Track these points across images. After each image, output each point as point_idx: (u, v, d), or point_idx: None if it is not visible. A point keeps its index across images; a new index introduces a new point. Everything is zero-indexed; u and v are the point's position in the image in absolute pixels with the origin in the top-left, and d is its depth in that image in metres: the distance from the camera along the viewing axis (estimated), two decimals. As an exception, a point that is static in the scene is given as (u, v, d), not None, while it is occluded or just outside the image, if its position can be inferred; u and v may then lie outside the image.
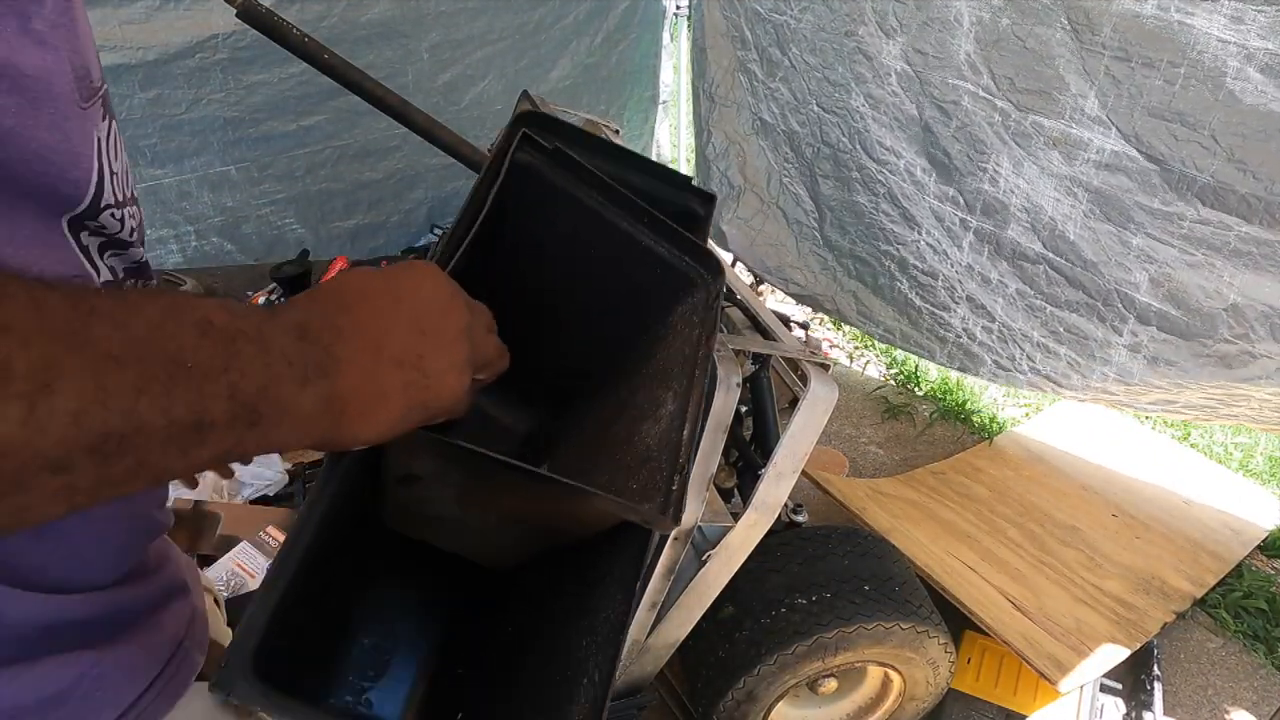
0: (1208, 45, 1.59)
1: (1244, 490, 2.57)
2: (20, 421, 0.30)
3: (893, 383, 3.21)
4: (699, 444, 0.59)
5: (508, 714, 0.59)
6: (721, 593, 1.37)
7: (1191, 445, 2.83)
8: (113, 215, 0.48)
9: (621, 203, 0.68)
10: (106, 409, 0.33)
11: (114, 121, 0.50)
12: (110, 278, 0.50)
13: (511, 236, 0.64)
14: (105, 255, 0.49)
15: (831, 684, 1.68)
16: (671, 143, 3.68)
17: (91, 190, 0.45)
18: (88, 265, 0.47)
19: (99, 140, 0.46)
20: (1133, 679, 1.94)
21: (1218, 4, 1.55)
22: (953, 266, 2.31)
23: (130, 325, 0.34)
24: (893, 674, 1.70)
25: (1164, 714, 1.87)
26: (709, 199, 0.77)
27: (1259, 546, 2.38)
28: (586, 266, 0.72)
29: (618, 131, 2.48)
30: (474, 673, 0.66)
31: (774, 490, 1.25)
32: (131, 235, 0.51)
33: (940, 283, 2.36)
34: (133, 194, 0.53)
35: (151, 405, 0.34)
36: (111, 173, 0.48)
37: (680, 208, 0.76)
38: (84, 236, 0.46)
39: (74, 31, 0.43)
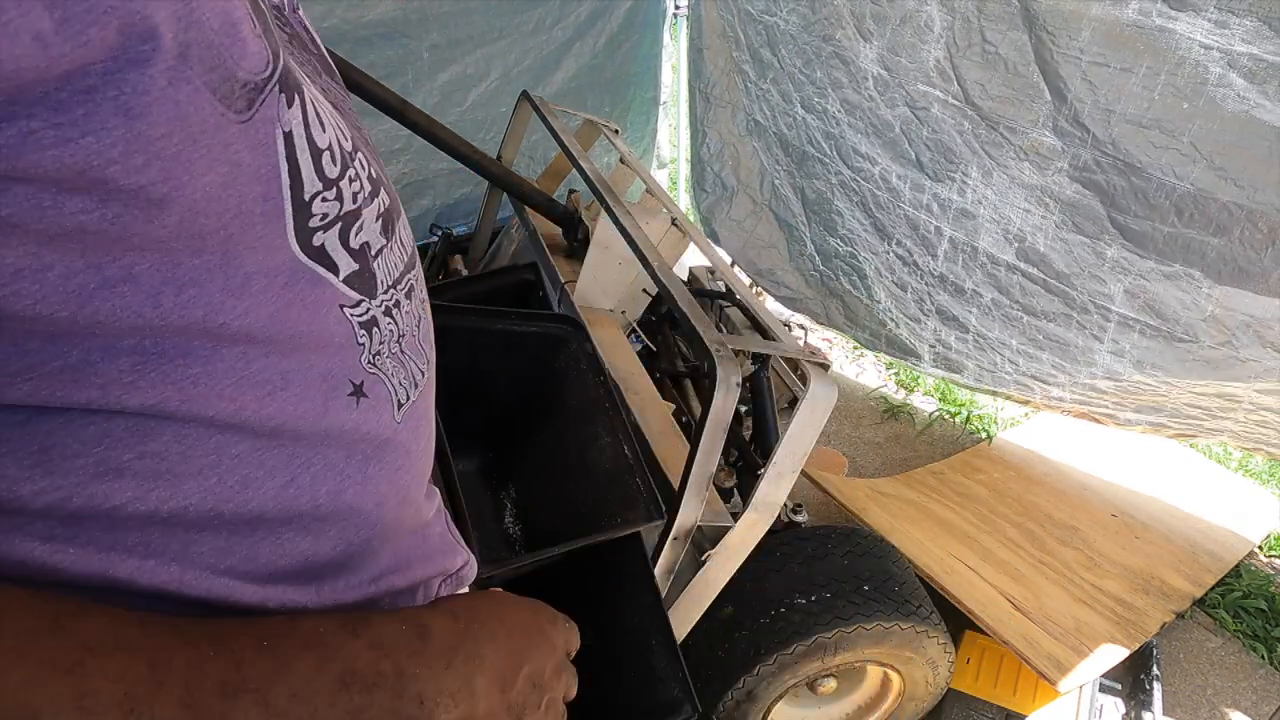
0: (1190, 51, 1.56)
1: (1243, 490, 2.57)
2: None
3: (892, 383, 3.21)
4: (648, 455, 0.97)
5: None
6: (721, 592, 1.37)
7: (1191, 445, 2.83)
8: (323, 200, 0.43)
9: (486, 314, 1.07)
10: None
11: (303, 93, 0.42)
12: (355, 267, 0.46)
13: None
14: (345, 240, 0.46)
15: (831, 684, 1.68)
16: (671, 143, 3.67)
17: (288, 200, 0.41)
18: (328, 275, 0.45)
19: (282, 137, 0.40)
20: (1132, 679, 1.94)
21: (1201, 9, 1.51)
22: (923, 278, 2.29)
23: (270, 697, 0.36)
24: (892, 674, 1.70)
25: (1163, 714, 1.88)
26: (531, 265, 1.15)
27: (1259, 546, 2.39)
28: (489, 358, 1.09)
29: (617, 131, 2.48)
30: None
31: (774, 490, 1.25)
32: (356, 200, 0.47)
33: (910, 294, 2.35)
34: (350, 154, 0.47)
35: None
36: (313, 156, 0.43)
37: (518, 282, 1.14)
38: (315, 238, 0.43)
39: (206, 45, 0.35)
